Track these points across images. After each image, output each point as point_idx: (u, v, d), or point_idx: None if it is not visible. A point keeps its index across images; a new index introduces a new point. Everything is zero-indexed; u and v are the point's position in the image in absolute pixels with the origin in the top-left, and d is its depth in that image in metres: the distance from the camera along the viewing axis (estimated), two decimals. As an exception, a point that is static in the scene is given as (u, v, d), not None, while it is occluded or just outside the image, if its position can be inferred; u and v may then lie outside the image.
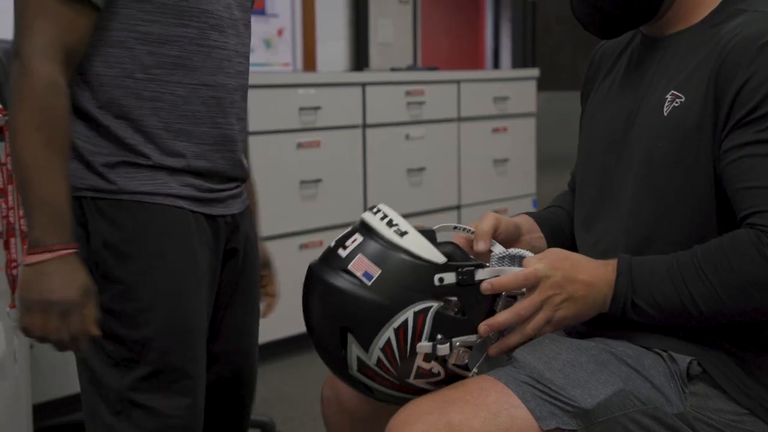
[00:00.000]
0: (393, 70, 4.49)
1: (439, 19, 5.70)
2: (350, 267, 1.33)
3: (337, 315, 1.33)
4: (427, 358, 1.33)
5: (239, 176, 1.65)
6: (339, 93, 3.89)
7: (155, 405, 1.52)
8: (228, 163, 1.60)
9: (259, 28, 7.41)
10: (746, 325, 1.38)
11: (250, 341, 1.74)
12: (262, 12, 7.43)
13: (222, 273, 1.65)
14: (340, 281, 1.33)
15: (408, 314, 1.31)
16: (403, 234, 1.34)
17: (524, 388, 1.32)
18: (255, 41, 7.35)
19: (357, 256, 1.33)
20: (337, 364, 1.36)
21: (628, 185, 1.45)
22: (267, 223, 3.60)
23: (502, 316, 1.35)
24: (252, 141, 3.54)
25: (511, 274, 1.34)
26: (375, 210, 1.38)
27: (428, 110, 4.24)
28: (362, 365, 1.34)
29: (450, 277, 1.33)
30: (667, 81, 1.43)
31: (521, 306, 1.35)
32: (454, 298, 1.34)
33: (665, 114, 1.40)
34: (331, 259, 1.36)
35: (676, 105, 1.38)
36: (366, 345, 1.32)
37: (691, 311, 1.33)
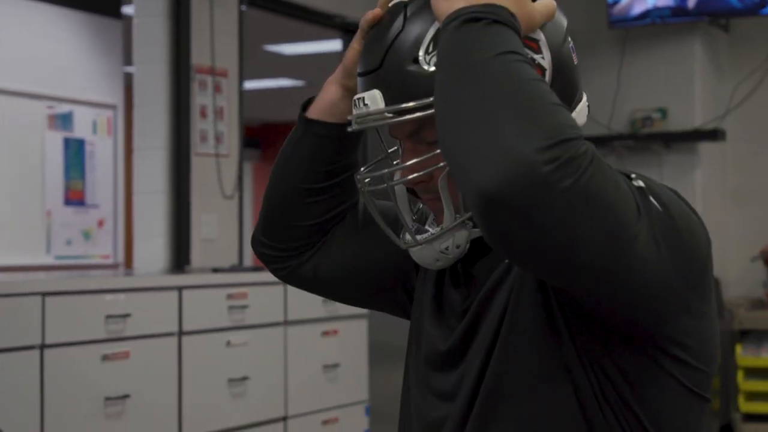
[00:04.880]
0: (215, 270, 4.20)
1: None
2: None
3: None
4: None
5: None
6: (151, 297, 3.57)
7: None
8: None
9: (78, 219, 7.08)
10: None
11: None
12: (81, 203, 7.10)
13: None
14: None
15: None
16: None
17: None
18: (73, 233, 7.01)
19: None
20: None
21: None
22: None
23: None
24: (48, 354, 3.17)
25: None
26: None
27: (252, 314, 3.95)
28: None
29: None
30: None
31: None
32: None
33: None
34: None
35: None
36: None
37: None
